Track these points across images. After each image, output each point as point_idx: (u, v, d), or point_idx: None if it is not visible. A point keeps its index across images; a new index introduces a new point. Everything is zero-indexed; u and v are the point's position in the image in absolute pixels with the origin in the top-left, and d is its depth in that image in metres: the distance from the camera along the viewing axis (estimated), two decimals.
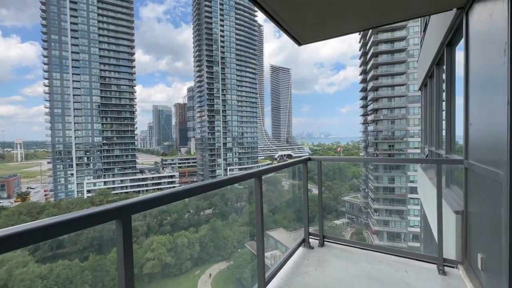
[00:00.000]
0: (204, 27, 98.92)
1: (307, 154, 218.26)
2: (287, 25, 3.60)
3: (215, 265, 52.75)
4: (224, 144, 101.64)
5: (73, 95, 79.48)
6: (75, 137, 79.09)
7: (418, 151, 56.20)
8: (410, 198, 55.09)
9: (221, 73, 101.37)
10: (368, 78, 65.42)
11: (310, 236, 3.96)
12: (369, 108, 67.18)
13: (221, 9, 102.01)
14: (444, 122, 4.82)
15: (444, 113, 4.87)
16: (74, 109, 79.31)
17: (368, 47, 64.32)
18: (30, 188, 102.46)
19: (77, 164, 78.72)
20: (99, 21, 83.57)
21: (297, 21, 3.47)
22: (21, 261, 41.72)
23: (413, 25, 57.21)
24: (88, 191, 76.56)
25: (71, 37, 78.83)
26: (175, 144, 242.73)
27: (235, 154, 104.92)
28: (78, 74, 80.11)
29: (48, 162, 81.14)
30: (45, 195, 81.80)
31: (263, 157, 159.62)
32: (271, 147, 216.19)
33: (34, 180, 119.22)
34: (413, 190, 55.09)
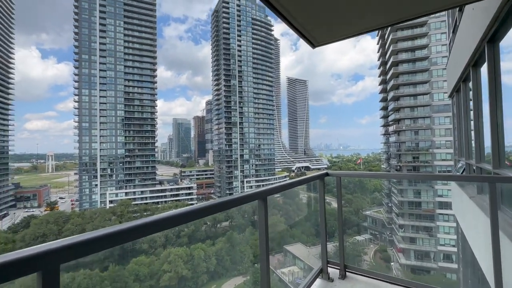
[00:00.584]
0: (222, 43, 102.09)
1: (325, 166, 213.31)
2: (300, 26, 3.16)
3: (232, 280, 51.36)
4: (241, 156, 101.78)
5: (100, 109, 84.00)
6: (100, 149, 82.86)
7: (446, 163, 52.62)
8: (440, 214, 51.11)
9: (238, 86, 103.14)
10: (388, 88, 63.35)
11: (329, 265, 3.31)
12: (390, 118, 64.59)
13: (239, 25, 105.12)
14: (487, 131, 4.07)
15: (485, 120, 4.12)
16: (100, 122, 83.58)
17: (387, 56, 62.71)
18: (60, 198, 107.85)
19: (101, 175, 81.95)
20: (125, 41, 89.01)
21: (310, 21, 3.03)
22: None
23: (435, 33, 55.22)
24: (111, 202, 78.98)
25: (100, 56, 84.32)
26: (194, 156, 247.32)
27: (252, 166, 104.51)
28: (105, 90, 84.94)
29: (75, 173, 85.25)
30: (71, 205, 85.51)
31: (280, 169, 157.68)
32: (288, 159, 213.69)
33: (62, 190, 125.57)
34: (442, 205, 51.18)
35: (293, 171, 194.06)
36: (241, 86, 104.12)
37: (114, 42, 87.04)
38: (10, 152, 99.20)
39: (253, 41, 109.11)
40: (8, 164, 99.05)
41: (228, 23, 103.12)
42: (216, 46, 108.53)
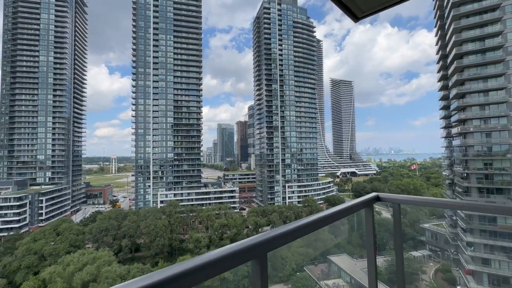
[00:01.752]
0: (263, 48, 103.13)
1: (374, 172, 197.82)
2: None
3: (273, 287, 50.32)
4: (283, 160, 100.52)
5: (153, 117, 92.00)
6: (152, 153, 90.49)
7: None
8: None
9: (280, 91, 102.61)
10: (450, 84, 55.59)
11: None
12: (453, 119, 56.39)
13: (280, 30, 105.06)
14: None
15: None
16: (153, 129, 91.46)
17: (448, 48, 55.18)
18: (123, 197, 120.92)
19: (153, 177, 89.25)
20: (174, 53, 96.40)
21: None
22: (107, 260, 48.05)
23: (511, 17, 46.67)
24: (161, 202, 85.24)
25: (153, 69, 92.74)
26: (237, 160, 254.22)
27: (294, 170, 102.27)
28: (157, 99, 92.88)
29: (132, 175, 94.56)
30: (129, 205, 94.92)
31: (323, 174, 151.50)
32: (333, 163, 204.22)
33: (122, 190, 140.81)
34: None
35: (338, 177, 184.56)
36: (283, 90, 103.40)
37: (165, 55, 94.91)
38: (83, 156, 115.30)
39: (295, 44, 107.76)
40: (81, 166, 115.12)
41: (269, 28, 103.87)
42: (257, 52, 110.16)
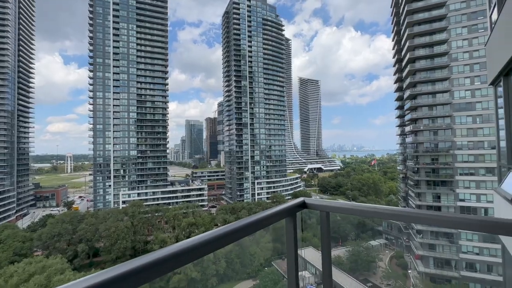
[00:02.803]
0: (233, 44, 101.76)
1: (339, 167, 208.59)
2: None
3: (241, 283, 50.38)
4: (252, 157, 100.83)
5: (113, 112, 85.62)
6: (113, 150, 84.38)
7: (469, 165, 49.28)
8: None
9: (249, 87, 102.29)
10: (404, 86, 60.41)
11: None
12: (407, 118, 61.53)
13: (249, 26, 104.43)
14: None
15: None
16: (113, 124, 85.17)
17: (403, 53, 59.82)
18: (80, 197, 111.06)
19: (114, 176, 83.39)
20: (137, 44, 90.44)
21: None
22: (59, 268, 43.79)
23: (455, 27, 52.00)
24: (123, 202, 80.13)
25: (113, 60, 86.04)
26: (206, 157, 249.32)
27: (263, 167, 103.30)
28: (118, 93, 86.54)
29: (90, 174, 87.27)
30: (87, 206, 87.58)
31: (291, 170, 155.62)
32: (300, 160, 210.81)
33: (79, 191, 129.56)
34: (465, 210, 47.89)
35: (305, 172, 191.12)
36: (252, 87, 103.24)
37: (127, 45, 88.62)
38: (31, 153, 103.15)
39: (264, 41, 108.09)
40: (29, 165, 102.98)
41: (239, 24, 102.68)
42: (227, 48, 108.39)
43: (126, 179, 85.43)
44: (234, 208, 76.23)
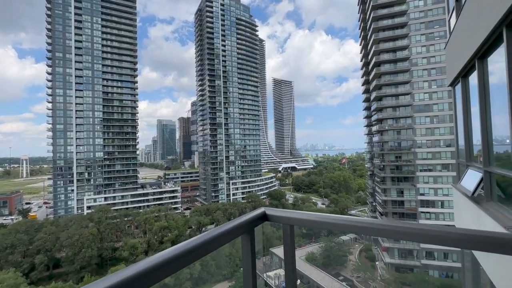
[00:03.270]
0: (206, 42, 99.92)
1: (311, 166, 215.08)
2: None
3: (217, 286, 49.67)
4: (227, 157, 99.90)
5: (76, 110, 79.39)
6: (76, 152, 78.25)
7: (427, 162, 53.44)
8: (421, 212, 51.80)
9: (223, 87, 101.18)
10: (371, 88, 63.89)
11: None
12: (373, 118, 65.17)
13: (223, 25, 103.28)
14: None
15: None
16: (76, 124, 78.98)
17: (369, 57, 63.22)
18: (38, 206, 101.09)
19: (77, 180, 77.35)
20: (103, 39, 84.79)
21: None
22: (12, 284, 39.49)
23: (415, 34, 56.12)
24: (88, 208, 74.70)
25: (75, 55, 79.74)
26: (179, 158, 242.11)
27: (238, 167, 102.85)
28: (81, 90, 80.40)
29: (49, 178, 80.00)
30: (47, 214, 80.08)
31: (266, 170, 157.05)
32: (275, 159, 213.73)
33: (38, 196, 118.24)
34: (424, 203, 51.94)
35: (280, 172, 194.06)
36: (226, 87, 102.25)
37: (91, 39, 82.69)
38: None
39: (238, 41, 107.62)
40: None
41: (212, 23, 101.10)
42: (200, 46, 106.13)
43: (91, 182, 79.72)
44: (208, 210, 74.89)
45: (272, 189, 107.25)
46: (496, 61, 3.38)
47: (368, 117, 72.39)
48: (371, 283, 42.46)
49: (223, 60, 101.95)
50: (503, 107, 2.79)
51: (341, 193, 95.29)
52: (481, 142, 3.85)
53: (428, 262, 48.23)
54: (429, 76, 54.88)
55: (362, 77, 74.34)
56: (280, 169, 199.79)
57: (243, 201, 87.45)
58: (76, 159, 77.82)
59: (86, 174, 79.07)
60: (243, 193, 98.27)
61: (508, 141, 3.19)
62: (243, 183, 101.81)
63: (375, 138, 64.40)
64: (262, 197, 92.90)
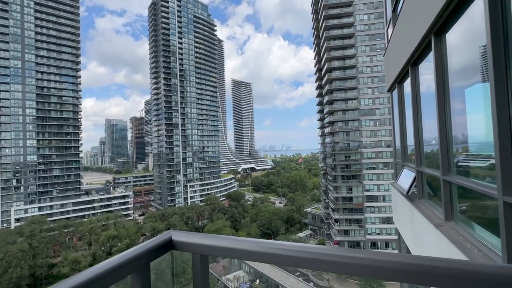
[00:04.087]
0: (161, 39, 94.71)
1: (270, 166, 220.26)
2: None
3: None
4: (184, 159, 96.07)
5: (1, 107, 67.61)
6: (1, 156, 66.54)
7: (372, 161, 58.99)
8: (367, 206, 57.00)
9: (180, 86, 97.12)
10: (323, 93, 68.08)
11: None
12: (326, 121, 69.57)
13: (179, 21, 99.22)
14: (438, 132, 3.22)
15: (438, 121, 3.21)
16: (1, 123, 67.20)
17: (322, 63, 67.32)
18: None
19: (3, 188, 65.83)
20: (36, 25, 73.90)
21: None
22: None
23: (361, 44, 61.62)
24: (17, 220, 64.17)
25: (0, 42, 67.93)
26: (131, 160, 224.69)
27: (196, 169, 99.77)
28: (8, 83, 68.74)
29: None
30: None
31: (226, 171, 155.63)
32: (234, 160, 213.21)
33: None
34: (369, 198, 57.24)
35: (239, 173, 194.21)
36: (183, 86, 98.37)
37: (21, 25, 71.28)
38: None
39: (196, 39, 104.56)
40: None
41: (168, 19, 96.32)
42: (154, 42, 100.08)
43: (21, 190, 68.61)
44: (164, 215, 70.91)
45: (232, 190, 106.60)
46: (427, 68, 3.66)
47: (321, 119, 77.02)
48: (325, 275, 45.04)
49: (179, 58, 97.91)
50: (433, 111, 3.00)
51: (297, 192, 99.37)
52: (413, 144, 4.17)
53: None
54: (373, 83, 60.81)
55: (316, 81, 78.83)
56: (239, 170, 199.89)
57: (201, 203, 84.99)
58: (1, 164, 66.14)
59: (14, 181, 67.69)
60: (201, 195, 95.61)
61: (434, 142, 3.49)
62: (201, 185, 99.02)
63: (328, 139, 68.85)
64: (221, 199, 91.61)
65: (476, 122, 2.72)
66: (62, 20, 78.57)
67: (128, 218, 78.42)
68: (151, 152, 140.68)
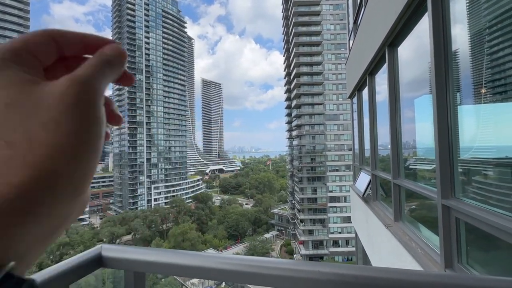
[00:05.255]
0: (126, 31, 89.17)
1: (239, 167, 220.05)
2: None
3: None
4: (148, 159, 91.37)
5: None
6: None
7: (335, 163, 62.13)
8: (330, 206, 59.88)
9: (146, 83, 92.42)
10: (292, 96, 70.10)
11: None
12: (294, 124, 71.69)
13: (146, 15, 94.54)
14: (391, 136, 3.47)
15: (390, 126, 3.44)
16: None
17: (291, 68, 69.31)
18: None
19: None
20: None
21: None
22: None
23: (327, 52, 64.78)
24: None
25: None
26: None
27: (161, 170, 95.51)
28: None
29: None
30: None
31: (193, 172, 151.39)
32: (202, 161, 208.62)
33: None
34: (332, 199, 60.19)
35: (207, 174, 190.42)
36: (149, 82, 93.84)
37: None
38: None
39: (164, 35, 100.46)
40: None
41: (134, 11, 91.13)
42: (119, 34, 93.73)
43: None
44: (125, 218, 66.51)
45: (199, 192, 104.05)
46: (382, 77, 3.92)
47: (289, 122, 79.16)
48: None
49: (146, 54, 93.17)
50: (387, 118, 3.20)
51: (265, 193, 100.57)
52: (369, 148, 4.43)
53: (334, 250, 55.90)
54: (337, 90, 64.27)
55: (285, 85, 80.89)
56: (207, 171, 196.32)
57: (166, 206, 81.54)
58: None
59: None
60: (166, 198, 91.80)
61: (389, 146, 3.75)
62: (166, 187, 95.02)
63: (295, 142, 70.97)
64: (187, 201, 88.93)
65: (423, 129, 2.98)
66: (7, 1, 69.72)
67: (83, 223, 72.01)
68: (111, 151, 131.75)
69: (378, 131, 4.23)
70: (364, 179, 4.71)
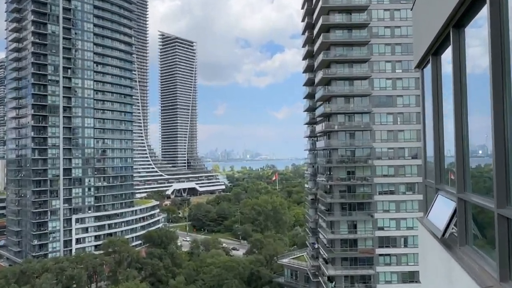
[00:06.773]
0: None
1: (223, 186, 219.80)
2: None
3: None
4: (68, 170, 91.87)
5: None
6: None
7: (389, 180, 62.38)
8: (380, 254, 59.96)
9: (64, 38, 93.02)
10: (315, 65, 70.33)
11: None
12: (318, 112, 71.82)
13: None
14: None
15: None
16: None
17: (315, 15, 69.52)
18: None
19: None
20: None
21: None
22: None
23: None
24: None
25: None
26: None
27: (90, 189, 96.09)
28: None
29: None
30: None
31: (144, 194, 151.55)
32: (160, 175, 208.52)
33: None
34: (384, 241, 60.37)
35: (169, 197, 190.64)
36: (70, 39, 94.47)
37: None
38: None
39: None
40: None
41: None
42: None
43: None
44: (24, 273, 66.80)
45: (154, 227, 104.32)
46: (479, 32, 3.86)
47: (310, 109, 79.38)
48: None
49: None
50: (487, 101, 3.14)
51: (268, 231, 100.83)
52: (455, 155, 4.37)
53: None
54: (393, 54, 64.66)
55: (303, 46, 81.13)
56: (169, 192, 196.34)
57: (97, 252, 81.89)
58: None
59: None
60: (97, 237, 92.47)
61: (488, 150, 3.68)
62: (98, 219, 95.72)
63: (320, 143, 71.14)
64: (134, 243, 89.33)
65: None
66: None
67: None
68: (3, 156, 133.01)
69: (470, 126, 4.17)
70: (444, 207, 4.66)
